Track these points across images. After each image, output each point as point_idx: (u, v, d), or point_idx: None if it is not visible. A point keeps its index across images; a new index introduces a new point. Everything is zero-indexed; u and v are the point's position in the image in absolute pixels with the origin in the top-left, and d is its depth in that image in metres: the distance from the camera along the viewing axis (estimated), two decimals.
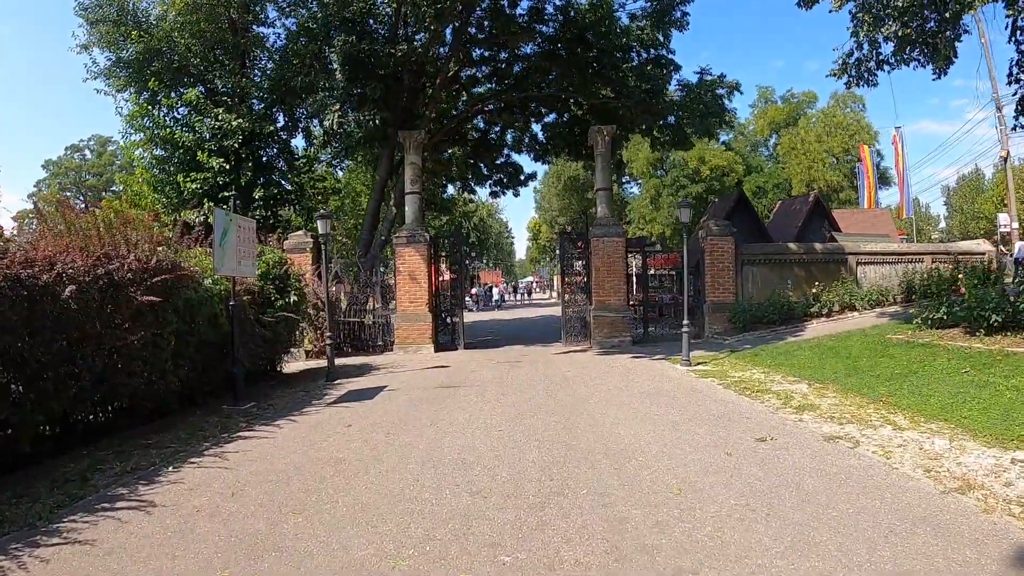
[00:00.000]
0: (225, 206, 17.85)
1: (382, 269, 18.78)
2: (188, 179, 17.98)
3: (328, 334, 13.36)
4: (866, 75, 15.60)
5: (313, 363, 16.03)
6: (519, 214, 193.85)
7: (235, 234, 10.01)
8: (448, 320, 18.93)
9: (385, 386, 11.68)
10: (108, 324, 8.17)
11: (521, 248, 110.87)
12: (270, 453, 7.34)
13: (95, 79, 20.23)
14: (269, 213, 19.69)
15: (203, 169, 18.20)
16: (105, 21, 19.55)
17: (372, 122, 17.20)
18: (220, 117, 18.44)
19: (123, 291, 8.36)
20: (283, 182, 20.96)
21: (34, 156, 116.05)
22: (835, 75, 16.09)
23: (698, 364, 13.01)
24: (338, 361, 16.02)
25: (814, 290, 18.47)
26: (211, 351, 10.27)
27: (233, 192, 18.18)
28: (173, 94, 19.11)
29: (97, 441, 8.16)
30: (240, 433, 8.44)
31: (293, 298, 13.08)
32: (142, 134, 18.75)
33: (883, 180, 52.94)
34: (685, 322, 13.54)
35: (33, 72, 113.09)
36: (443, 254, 19.28)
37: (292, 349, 15.62)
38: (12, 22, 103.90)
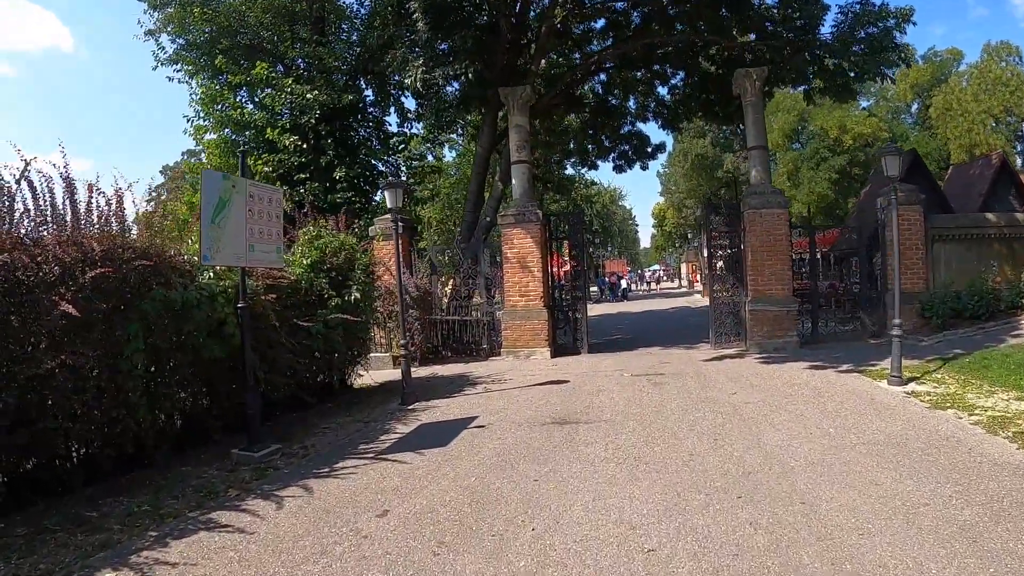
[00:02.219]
0: (302, 189, 15.03)
1: (498, 258, 15.21)
2: (260, 162, 15.27)
3: (402, 341, 9.89)
4: None
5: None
6: (643, 199, 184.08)
7: (242, 208, 6.68)
8: (569, 315, 15.07)
9: (474, 418, 8.06)
10: (15, 344, 5.11)
11: (645, 236, 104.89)
12: None
13: (163, 66, 18.29)
14: (356, 196, 16.67)
15: (277, 150, 15.45)
16: (170, 3, 17.46)
17: (465, 76, 13.64)
18: (293, 90, 15.58)
19: (46, 294, 5.25)
20: (375, 162, 17.90)
21: (154, 162, 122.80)
22: None
23: (910, 380, 8.61)
24: (430, 370, 12.82)
25: None
26: (221, 372, 7.09)
27: (308, 173, 15.33)
28: (245, 74, 16.44)
29: (47, 499, 5.53)
30: (216, 513, 5.13)
31: (355, 295, 9.71)
32: (213, 119, 16.32)
33: None
34: (896, 321, 8.99)
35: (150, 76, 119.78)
36: (562, 238, 15.41)
37: (372, 355, 12.43)
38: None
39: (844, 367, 10.26)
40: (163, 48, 18.04)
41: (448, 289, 16.01)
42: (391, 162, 18.80)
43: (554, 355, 13.97)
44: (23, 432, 5.24)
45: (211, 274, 6.93)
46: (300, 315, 8.61)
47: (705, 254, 15.62)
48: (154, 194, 8.31)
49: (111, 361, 5.79)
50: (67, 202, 5.96)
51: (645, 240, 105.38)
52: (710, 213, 14.90)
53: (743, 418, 7.31)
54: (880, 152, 9.89)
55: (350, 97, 16.34)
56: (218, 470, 6.34)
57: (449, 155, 28.57)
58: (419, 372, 12.72)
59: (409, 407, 9.10)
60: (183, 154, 61.18)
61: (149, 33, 18.05)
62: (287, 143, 15.42)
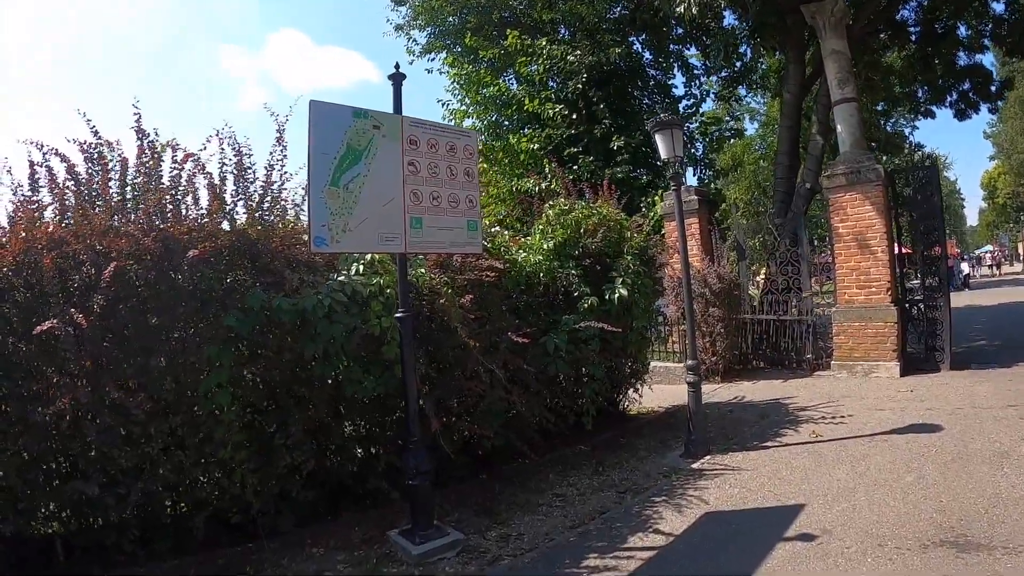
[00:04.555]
0: (575, 165, 12.42)
1: (814, 241, 11.05)
2: (524, 138, 13.03)
3: (689, 362, 6.43)
4: None
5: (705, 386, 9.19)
6: (963, 168, 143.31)
7: (394, 160, 4.06)
8: (916, 314, 10.00)
9: (796, 511, 4.42)
10: (32, 377, 3.25)
11: (971, 212, 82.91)
12: None
13: (418, 58, 17.31)
14: (645, 171, 13.57)
15: (544, 124, 13.10)
16: None
17: None
18: (551, 53, 13.24)
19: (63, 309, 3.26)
20: None
21: None
22: None
23: None
24: (735, 389, 9.41)
25: None
26: (388, 412, 4.62)
27: (580, 147, 12.65)
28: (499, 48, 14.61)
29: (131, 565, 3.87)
30: None
31: (620, 291, 6.57)
32: (472, 101, 14.84)
33: None
34: None
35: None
36: (906, 204, 10.33)
37: (658, 364, 9.34)
38: None
39: None
40: (415, 40, 17.21)
41: (759, 280, 12.07)
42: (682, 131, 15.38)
43: (904, 372, 9.14)
44: (58, 488, 3.48)
45: (359, 268, 4.38)
46: (535, 322, 5.84)
47: None
48: None
49: (187, 401, 3.60)
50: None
51: (971, 217, 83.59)
52: None
53: None
54: None
55: (618, 51, 13.38)
56: (351, 566, 3.88)
57: (751, 128, 23.85)
58: (719, 392, 9.18)
59: (694, 464, 5.73)
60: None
61: (398, 28, 17.35)
62: (552, 113, 13.05)
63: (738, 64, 15.48)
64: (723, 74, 15.90)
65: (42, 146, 3.87)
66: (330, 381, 4.21)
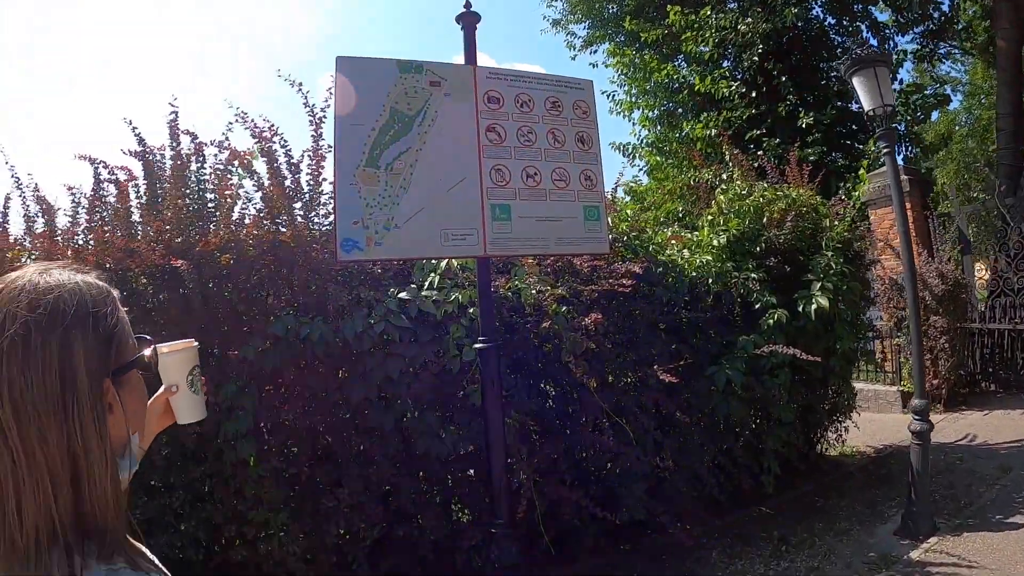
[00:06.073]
0: (759, 151, 10.48)
1: None
2: (699, 124, 11.22)
3: (915, 401, 4.38)
4: None
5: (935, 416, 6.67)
6: None
7: (463, 127, 2.85)
8: None
9: None
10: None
11: None
12: None
13: (580, 52, 15.89)
14: (841, 155, 11.12)
15: (717, 107, 11.38)
16: None
17: None
18: (719, 24, 11.30)
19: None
20: (854, 108, 11.90)
21: None
22: None
23: None
24: (962, 424, 7.06)
25: None
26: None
27: (763, 128, 10.53)
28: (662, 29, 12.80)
29: None
30: None
31: (819, 301, 4.73)
32: (639, 90, 13.22)
33: None
34: None
35: None
36: None
37: (863, 385, 7.34)
38: None
39: None
40: (574, 35, 15.76)
41: (983, 277, 9.40)
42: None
43: None
44: None
45: (435, 279, 3.17)
46: (703, 346, 4.33)
47: None
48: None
49: (214, 449, 2.73)
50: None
51: None
52: None
53: None
54: None
55: (794, 11, 10.97)
56: None
57: (956, 99, 19.68)
58: (942, 427, 6.83)
59: (914, 552, 3.81)
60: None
61: (555, 23, 16.07)
62: (727, 92, 11.13)
63: (935, 15, 12.41)
64: (918, 30, 12.80)
65: (93, 160, 3.23)
66: (398, 429, 3.07)
